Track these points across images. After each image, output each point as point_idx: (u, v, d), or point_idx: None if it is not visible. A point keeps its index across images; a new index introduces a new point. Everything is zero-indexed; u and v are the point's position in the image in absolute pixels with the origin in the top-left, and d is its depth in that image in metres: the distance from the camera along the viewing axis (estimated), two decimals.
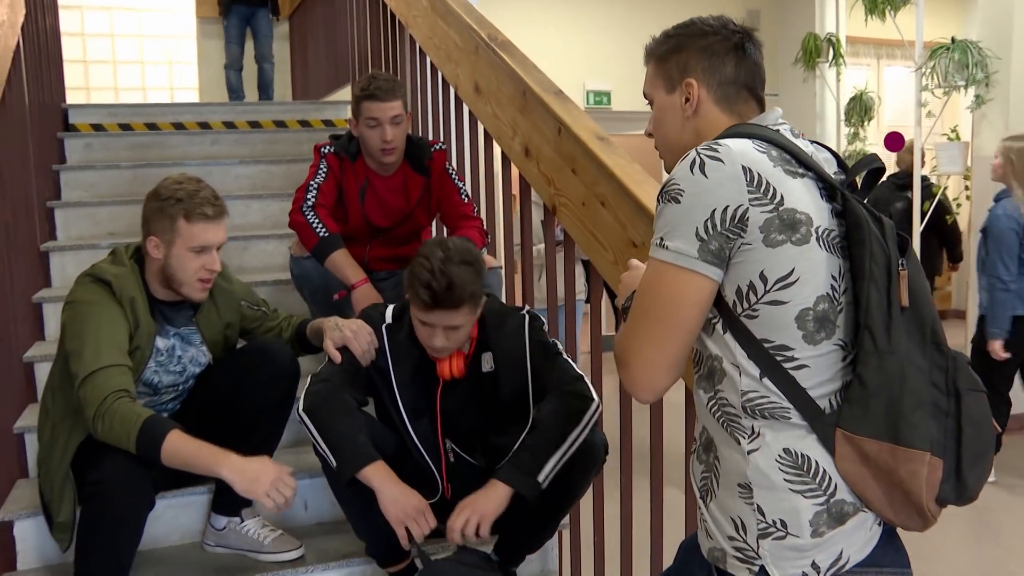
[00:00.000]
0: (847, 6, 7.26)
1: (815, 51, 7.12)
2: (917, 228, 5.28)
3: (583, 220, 2.23)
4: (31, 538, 2.26)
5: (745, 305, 1.19)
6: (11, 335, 2.59)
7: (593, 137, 2.21)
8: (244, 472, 1.90)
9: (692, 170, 1.19)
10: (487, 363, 2.16)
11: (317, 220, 2.69)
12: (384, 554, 2.18)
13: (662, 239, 1.20)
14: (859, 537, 1.19)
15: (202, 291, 2.17)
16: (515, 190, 2.81)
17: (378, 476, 1.96)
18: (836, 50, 7.12)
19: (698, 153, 1.20)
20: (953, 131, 7.85)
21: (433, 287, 1.97)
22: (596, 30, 7.48)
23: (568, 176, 2.29)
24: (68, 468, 2.07)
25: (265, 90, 5.87)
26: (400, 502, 1.96)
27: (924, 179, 5.56)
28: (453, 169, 2.88)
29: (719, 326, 1.22)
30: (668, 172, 1.40)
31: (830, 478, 1.18)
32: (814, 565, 1.17)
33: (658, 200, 1.23)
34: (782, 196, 1.18)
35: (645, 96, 1.44)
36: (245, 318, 2.38)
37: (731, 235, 1.17)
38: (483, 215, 2.97)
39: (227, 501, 2.29)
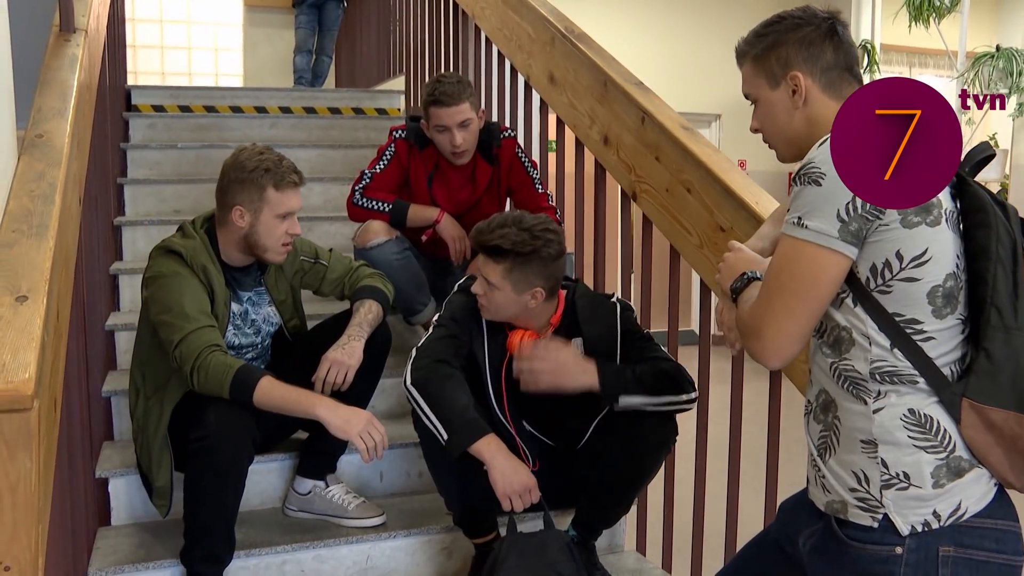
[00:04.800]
0: (885, 14, 7.30)
1: None
2: None
3: (666, 205, 2.30)
4: (123, 495, 2.35)
5: (879, 281, 1.27)
6: (96, 305, 2.67)
7: (678, 126, 2.29)
8: (338, 412, 1.99)
9: None
10: (576, 349, 2.18)
11: (373, 202, 2.80)
12: (472, 526, 2.24)
13: (800, 218, 1.26)
14: (976, 490, 1.27)
15: (283, 254, 2.26)
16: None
17: (490, 449, 2.01)
18: (871, 57, 7.17)
19: None
20: (992, 139, 7.88)
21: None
22: (650, 34, 7.49)
23: (651, 163, 2.36)
24: (165, 434, 2.14)
25: (317, 79, 6.00)
26: (510, 476, 2.01)
27: None
28: (525, 155, 2.91)
29: (848, 300, 1.30)
30: (783, 162, 1.47)
31: (950, 436, 1.26)
32: (935, 513, 1.26)
33: (795, 182, 1.29)
34: None
35: (746, 96, 1.49)
36: (304, 272, 2.44)
37: (870, 217, 1.24)
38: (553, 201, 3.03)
39: (314, 465, 2.37)
